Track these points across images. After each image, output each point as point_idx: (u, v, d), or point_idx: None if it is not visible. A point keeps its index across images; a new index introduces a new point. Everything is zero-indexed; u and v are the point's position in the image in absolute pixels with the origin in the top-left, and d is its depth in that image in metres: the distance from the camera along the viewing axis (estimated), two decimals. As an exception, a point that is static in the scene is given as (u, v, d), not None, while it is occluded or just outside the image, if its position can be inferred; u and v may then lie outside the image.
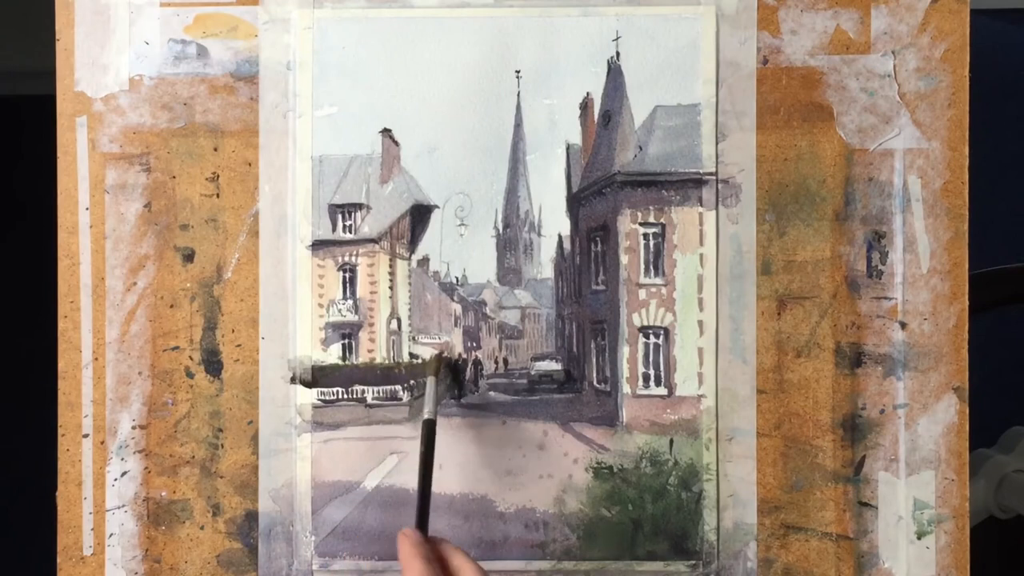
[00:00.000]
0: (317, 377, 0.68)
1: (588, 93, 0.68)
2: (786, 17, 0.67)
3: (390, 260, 0.69)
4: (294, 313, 0.67)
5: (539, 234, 0.69)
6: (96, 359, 0.67)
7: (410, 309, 0.69)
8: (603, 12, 0.67)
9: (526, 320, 0.70)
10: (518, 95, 0.68)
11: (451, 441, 0.67)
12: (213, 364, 0.67)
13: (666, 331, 0.67)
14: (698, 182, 0.67)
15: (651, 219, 0.68)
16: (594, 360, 0.69)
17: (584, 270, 0.69)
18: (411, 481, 0.67)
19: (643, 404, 0.68)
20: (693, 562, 0.66)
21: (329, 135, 0.68)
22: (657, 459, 0.67)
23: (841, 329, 0.67)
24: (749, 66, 0.67)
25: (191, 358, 0.67)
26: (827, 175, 0.67)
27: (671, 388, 0.67)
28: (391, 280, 0.69)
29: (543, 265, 0.69)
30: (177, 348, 0.67)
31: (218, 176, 0.68)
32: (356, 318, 0.68)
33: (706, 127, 0.67)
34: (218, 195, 0.68)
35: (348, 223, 0.68)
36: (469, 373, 0.69)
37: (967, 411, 0.67)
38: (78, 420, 0.67)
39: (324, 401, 0.68)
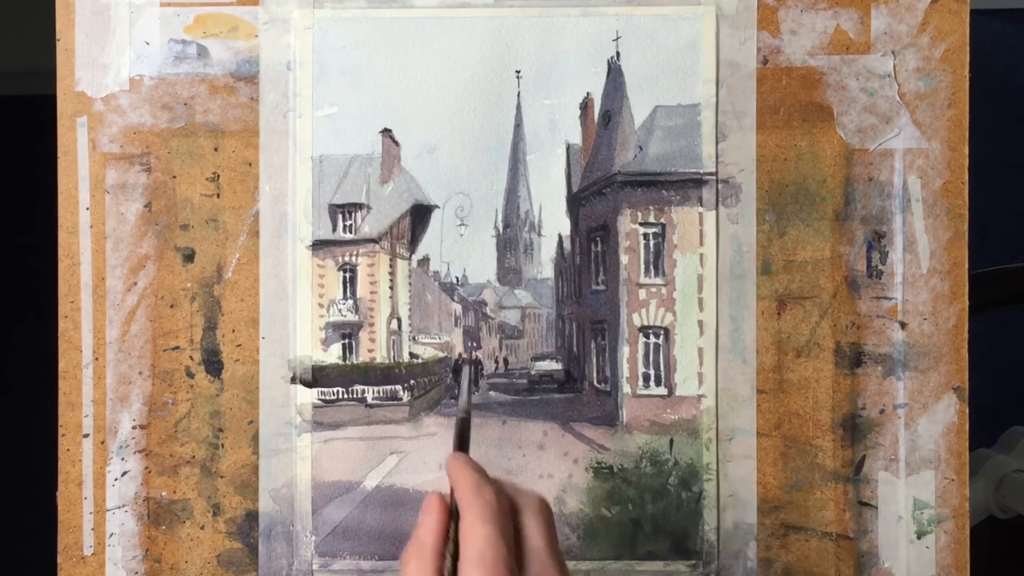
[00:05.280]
0: (317, 377, 0.68)
1: (588, 93, 0.68)
2: (786, 17, 0.67)
3: (390, 260, 0.69)
4: (294, 313, 0.67)
5: (539, 234, 0.69)
6: (96, 359, 0.67)
7: (410, 309, 0.69)
8: (603, 12, 0.67)
9: (526, 320, 0.70)
10: (518, 95, 0.68)
11: (451, 441, 0.67)
12: (213, 364, 0.67)
13: (666, 331, 0.68)
14: (698, 182, 0.67)
15: (651, 219, 0.68)
16: (594, 360, 0.69)
17: (584, 270, 0.69)
18: (411, 481, 0.67)
19: (643, 404, 0.68)
20: (693, 562, 0.66)
21: (329, 135, 0.68)
22: (657, 459, 0.67)
23: (841, 329, 0.67)
24: (749, 66, 0.67)
25: (191, 358, 0.67)
26: (827, 175, 0.67)
27: (671, 388, 0.67)
28: (391, 280, 0.70)
29: (543, 265, 0.69)
30: (177, 348, 0.67)
31: (218, 176, 0.68)
32: (356, 318, 0.68)
33: (706, 127, 0.67)
34: (218, 195, 0.68)
35: (348, 223, 0.68)
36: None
37: (967, 411, 0.67)
38: (78, 420, 0.67)
39: (324, 401, 0.68)
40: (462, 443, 0.55)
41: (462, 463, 0.50)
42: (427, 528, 0.48)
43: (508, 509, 0.48)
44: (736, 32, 0.67)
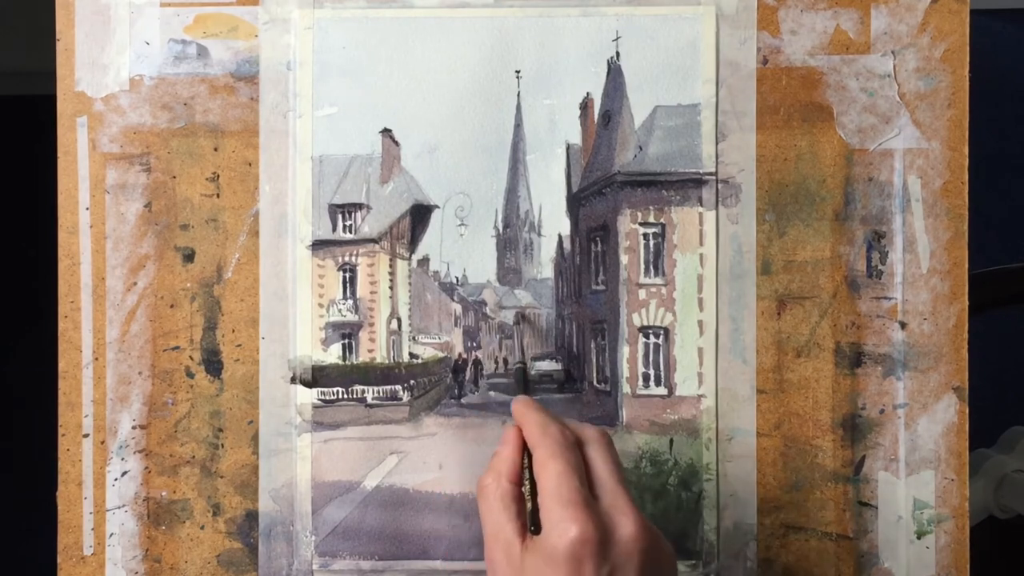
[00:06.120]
0: (317, 377, 0.68)
1: (588, 93, 0.68)
2: (786, 17, 0.67)
3: (390, 260, 0.69)
4: (294, 313, 0.67)
5: (539, 234, 0.69)
6: (96, 359, 0.67)
7: (410, 309, 0.69)
8: (603, 12, 0.67)
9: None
10: (518, 95, 0.68)
11: (451, 441, 0.68)
12: (213, 364, 0.67)
13: (666, 331, 0.68)
14: (698, 182, 0.67)
15: (651, 219, 0.68)
16: (594, 360, 0.69)
17: (584, 270, 0.69)
18: (411, 481, 0.67)
19: (643, 404, 0.68)
20: (693, 562, 0.66)
21: (329, 135, 0.68)
22: (657, 459, 0.67)
23: (841, 329, 0.67)
24: (749, 66, 0.67)
25: (191, 358, 0.67)
26: (827, 175, 0.67)
27: (671, 388, 0.67)
28: (391, 280, 0.70)
29: (543, 265, 0.69)
30: (177, 348, 0.68)
31: (218, 176, 0.68)
32: (356, 318, 0.69)
33: (706, 127, 0.67)
34: (218, 195, 0.68)
35: (348, 223, 0.68)
36: (469, 373, 0.69)
37: (967, 411, 0.67)
38: (78, 420, 0.67)
39: (324, 401, 0.68)
40: (526, 388, 0.61)
41: (526, 404, 0.55)
42: (503, 458, 0.53)
43: (575, 443, 0.52)
44: (736, 32, 0.67)
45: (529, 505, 0.51)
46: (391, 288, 0.69)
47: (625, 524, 0.48)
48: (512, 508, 0.51)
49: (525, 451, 0.53)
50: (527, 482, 0.52)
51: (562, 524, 0.47)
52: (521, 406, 0.55)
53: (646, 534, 0.49)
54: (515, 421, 0.54)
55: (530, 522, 0.50)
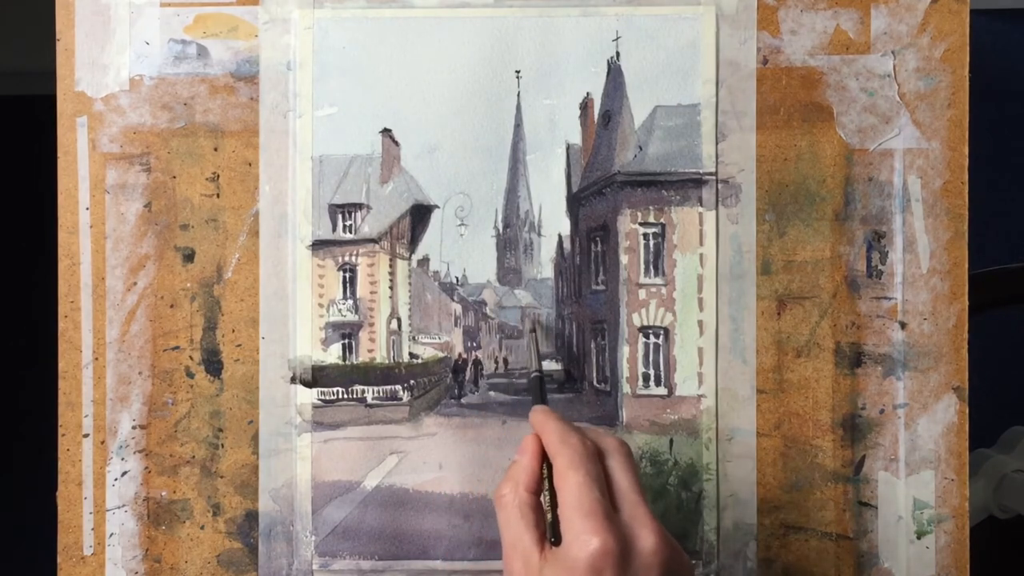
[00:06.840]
0: (317, 377, 0.68)
1: (588, 93, 0.68)
2: (786, 17, 0.67)
3: (390, 260, 0.69)
4: (294, 313, 0.67)
5: (539, 234, 0.69)
6: (96, 359, 0.67)
7: (410, 309, 0.69)
8: (603, 12, 0.67)
9: (526, 320, 0.70)
10: (518, 95, 0.68)
11: (451, 441, 0.68)
12: (213, 364, 0.67)
13: (666, 331, 0.68)
14: (698, 182, 0.67)
15: (651, 219, 0.68)
16: (594, 360, 0.69)
17: (584, 270, 0.69)
18: (411, 481, 0.67)
19: (643, 404, 0.68)
20: (693, 562, 0.66)
21: (329, 135, 0.68)
22: (657, 459, 0.67)
23: (841, 329, 0.67)
24: (749, 66, 0.67)
25: (191, 358, 0.67)
26: (827, 175, 0.67)
27: (671, 388, 0.67)
28: (391, 280, 0.70)
29: (543, 265, 0.69)
30: (177, 348, 0.68)
31: (218, 176, 0.68)
32: (356, 318, 0.69)
33: (706, 127, 0.67)
34: (218, 195, 0.68)
35: (348, 223, 0.68)
36: (469, 373, 0.69)
37: (967, 411, 0.67)
38: (78, 420, 0.67)
39: (324, 401, 0.68)
40: (542, 397, 0.59)
41: (546, 414, 0.54)
42: (521, 467, 0.52)
43: (595, 453, 0.51)
44: (736, 32, 0.67)
45: (549, 516, 0.51)
46: (391, 288, 0.69)
47: (646, 536, 0.48)
48: (530, 517, 0.50)
49: (544, 461, 0.52)
50: (547, 492, 0.51)
51: (583, 536, 0.47)
52: (540, 415, 0.54)
53: (666, 547, 0.48)
54: (534, 430, 0.54)
55: (550, 533, 0.50)
